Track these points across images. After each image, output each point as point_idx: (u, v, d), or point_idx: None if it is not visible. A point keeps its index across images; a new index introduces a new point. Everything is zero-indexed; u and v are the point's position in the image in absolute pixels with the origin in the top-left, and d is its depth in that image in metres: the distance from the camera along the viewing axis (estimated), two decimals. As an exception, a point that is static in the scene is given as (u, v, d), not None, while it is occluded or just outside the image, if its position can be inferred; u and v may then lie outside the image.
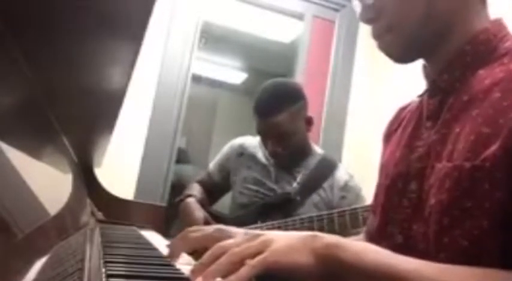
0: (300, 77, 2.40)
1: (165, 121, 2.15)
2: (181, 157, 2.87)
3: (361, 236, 0.85)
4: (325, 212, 1.33)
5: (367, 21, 0.70)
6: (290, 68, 2.56)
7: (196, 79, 3.23)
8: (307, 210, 1.44)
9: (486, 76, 0.59)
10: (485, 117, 0.55)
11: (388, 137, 0.81)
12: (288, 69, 2.67)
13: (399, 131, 0.76)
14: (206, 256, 0.51)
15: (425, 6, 0.63)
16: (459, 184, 0.53)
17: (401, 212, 0.64)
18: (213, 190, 1.60)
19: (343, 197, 1.46)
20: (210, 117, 4.47)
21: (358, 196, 1.46)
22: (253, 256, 0.49)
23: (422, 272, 0.47)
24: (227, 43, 3.64)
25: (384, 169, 0.75)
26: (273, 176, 1.51)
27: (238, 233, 0.62)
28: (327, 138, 2.40)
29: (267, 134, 1.45)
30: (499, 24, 0.65)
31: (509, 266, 0.47)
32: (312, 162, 1.52)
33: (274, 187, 1.49)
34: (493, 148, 0.51)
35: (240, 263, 0.49)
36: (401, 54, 0.68)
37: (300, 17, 2.53)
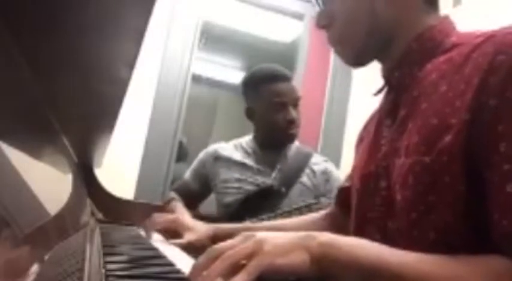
0: (300, 77, 2.40)
1: (165, 121, 2.15)
2: (182, 154, 2.86)
3: (320, 215, 0.90)
4: (313, 201, 1.35)
5: (321, 27, 0.73)
6: (290, 68, 2.55)
7: (196, 79, 3.23)
8: (294, 200, 1.45)
9: (432, 70, 0.61)
10: (433, 109, 0.56)
11: (357, 147, 0.84)
12: (288, 69, 2.66)
13: (365, 137, 0.79)
14: (202, 258, 0.51)
15: (369, 17, 0.67)
16: (421, 179, 0.54)
17: (375, 210, 0.65)
18: (191, 198, 1.59)
19: (326, 181, 1.51)
20: (210, 117, 4.47)
21: (339, 179, 1.51)
22: (248, 257, 0.49)
23: (415, 265, 0.48)
24: (227, 43, 3.64)
25: (354, 172, 0.77)
26: (254, 170, 1.52)
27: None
28: (327, 138, 2.40)
29: (289, 98, 1.48)
30: (446, 21, 0.66)
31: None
32: (289, 153, 1.56)
33: (256, 180, 1.50)
34: (446, 139, 0.52)
35: (235, 264, 0.49)
36: (352, 62, 0.73)
37: (300, 17, 2.53)
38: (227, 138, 1.72)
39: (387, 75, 0.70)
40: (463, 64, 0.55)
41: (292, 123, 1.49)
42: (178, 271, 0.56)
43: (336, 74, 2.47)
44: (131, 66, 0.53)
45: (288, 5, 2.47)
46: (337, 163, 2.33)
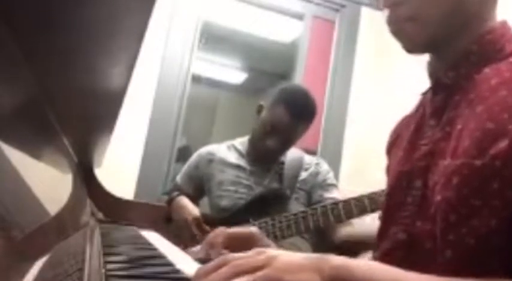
0: (299, 77, 2.40)
1: (165, 121, 2.15)
2: (187, 155, 2.85)
3: (377, 222, 0.85)
4: (318, 206, 1.37)
5: (391, 4, 0.67)
6: (290, 68, 2.56)
7: (196, 79, 3.23)
8: (294, 205, 1.46)
9: (492, 75, 0.59)
10: (490, 113, 0.55)
11: (389, 150, 0.81)
12: (288, 69, 2.67)
13: (399, 137, 0.76)
14: (210, 265, 0.50)
15: (454, 1, 0.63)
16: (468, 182, 0.53)
17: (404, 209, 0.64)
18: None
19: (316, 173, 1.55)
20: (210, 117, 4.47)
21: (329, 171, 1.56)
22: (256, 269, 0.47)
23: None
24: (227, 43, 3.64)
25: (389, 172, 0.76)
26: (248, 171, 1.52)
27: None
28: (327, 138, 2.40)
29: (285, 133, 1.46)
30: (505, 26, 0.65)
31: None
32: (284, 158, 1.57)
33: (250, 182, 1.50)
34: (501, 145, 0.51)
35: (241, 274, 0.47)
36: (417, 45, 0.67)
37: (300, 17, 2.53)
38: (227, 139, 1.72)
39: (439, 75, 0.67)
40: None
41: (270, 151, 1.49)
42: (178, 271, 0.56)
43: (335, 74, 2.47)
44: (131, 66, 0.53)
45: (288, 5, 2.47)
46: (337, 162, 2.33)
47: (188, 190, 1.58)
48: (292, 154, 1.58)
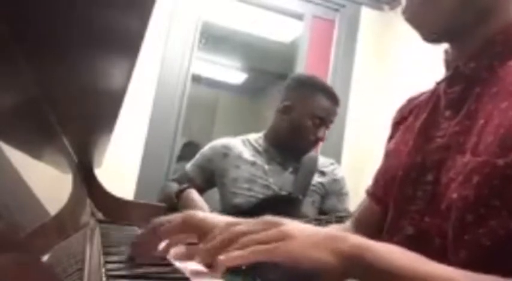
0: (300, 77, 2.41)
1: (165, 121, 2.15)
2: (192, 151, 2.81)
3: (347, 223, 0.83)
4: (333, 215, 1.36)
5: None
6: (290, 68, 2.56)
7: (196, 79, 3.23)
8: (306, 209, 1.45)
9: None
10: None
11: (397, 124, 0.78)
12: (288, 69, 2.67)
13: (410, 119, 0.73)
14: (216, 240, 0.48)
15: None
16: (489, 181, 0.51)
17: (414, 203, 0.62)
18: None
19: (334, 181, 1.56)
20: (210, 117, 4.47)
21: (344, 182, 1.58)
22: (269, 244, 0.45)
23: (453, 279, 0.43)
24: (227, 43, 3.64)
25: (390, 155, 0.72)
26: (265, 170, 1.51)
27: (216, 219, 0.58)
28: (327, 138, 2.40)
29: (327, 119, 1.51)
30: None
31: None
32: (302, 158, 1.57)
33: (267, 182, 1.49)
34: None
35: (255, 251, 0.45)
36: (431, 32, 0.65)
37: (299, 17, 2.53)
38: (227, 138, 1.72)
39: (459, 65, 0.63)
40: None
41: (317, 141, 1.52)
42: (178, 271, 0.56)
43: (335, 74, 2.47)
44: (131, 66, 0.53)
45: (288, 5, 2.47)
46: (337, 162, 2.33)
47: (198, 181, 1.56)
48: (307, 156, 1.58)
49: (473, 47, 0.62)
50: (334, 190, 1.53)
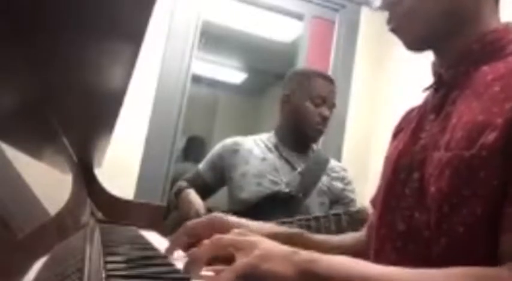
0: (300, 77, 2.40)
1: (165, 121, 2.15)
2: (199, 146, 2.79)
3: (363, 231, 0.85)
4: (335, 212, 1.35)
5: (389, 4, 0.70)
6: (290, 68, 2.55)
7: (196, 79, 3.23)
8: (311, 205, 1.46)
9: (489, 72, 0.61)
10: (482, 107, 0.57)
11: (395, 135, 0.82)
12: (288, 69, 2.66)
13: (405, 128, 0.78)
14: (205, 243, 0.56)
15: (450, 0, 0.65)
16: (458, 173, 0.55)
17: (403, 200, 0.66)
18: (203, 189, 1.57)
19: (343, 189, 1.55)
20: (210, 117, 4.47)
21: (354, 190, 1.57)
22: (237, 250, 0.54)
23: (395, 278, 0.49)
24: (227, 43, 3.64)
25: (387, 161, 0.77)
26: (275, 166, 1.52)
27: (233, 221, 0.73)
28: (327, 138, 2.40)
29: (328, 97, 1.54)
30: (508, 27, 0.66)
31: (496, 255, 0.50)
32: (311, 155, 1.59)
33: (277, 179, 1.50)
34: (490, 136, 0.53)
35: (222, 249, 0.55)
36: (415, 40, 0.69)
37: (299, 17, 2.53)
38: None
39: (441, 72, 0.69)
40: None
41: (324, 120, 1.52)
42: (178, 271, 0.56)
43: (335, 74, 2.47)
44: (131, 66, 0.53)
45: (288, 5, 2.47)
46: (337, 161, 2.33)
47: (210, 178, 1.58)
48: (318, 154, 1.60)
49: (453, 55, 0.67)
50: (341, 198, 1.54)
